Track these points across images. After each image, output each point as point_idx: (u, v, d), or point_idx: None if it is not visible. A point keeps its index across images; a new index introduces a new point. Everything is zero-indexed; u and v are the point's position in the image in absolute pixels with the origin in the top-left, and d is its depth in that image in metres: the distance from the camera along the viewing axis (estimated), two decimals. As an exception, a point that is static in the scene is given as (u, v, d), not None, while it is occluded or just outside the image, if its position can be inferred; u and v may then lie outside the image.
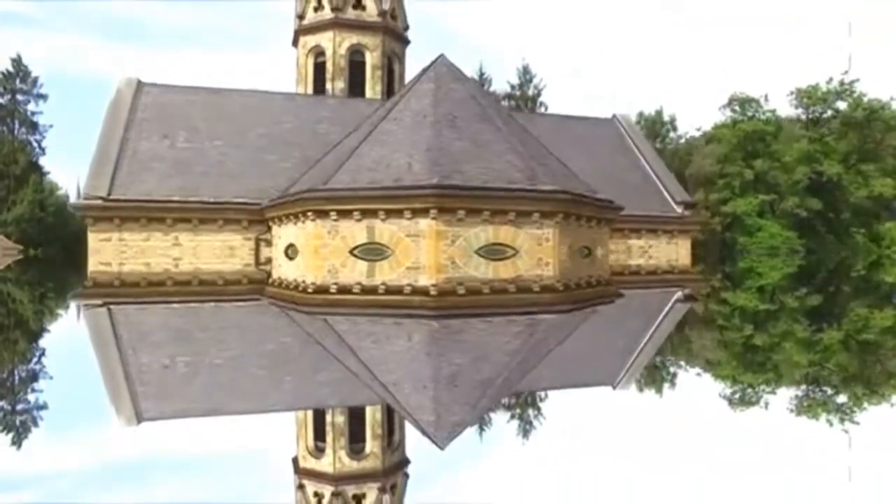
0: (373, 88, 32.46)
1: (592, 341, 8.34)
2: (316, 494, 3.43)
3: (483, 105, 17.46)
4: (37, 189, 45.24)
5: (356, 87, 32.49)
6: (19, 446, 3.78)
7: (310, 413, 4.97)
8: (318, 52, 32.97)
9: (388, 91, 33.52)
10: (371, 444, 4.18)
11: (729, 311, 12.24)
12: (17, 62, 47.46)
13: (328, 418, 4.72)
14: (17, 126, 47.19)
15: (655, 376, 6.01)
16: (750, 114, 44.90)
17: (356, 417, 4.75)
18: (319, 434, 4.41)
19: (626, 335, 8.86)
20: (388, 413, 4.85)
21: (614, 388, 5.38)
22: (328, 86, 32.33)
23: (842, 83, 44.92)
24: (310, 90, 32.70)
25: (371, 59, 32.60)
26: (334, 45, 32.36)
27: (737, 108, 46.76)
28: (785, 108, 58.03)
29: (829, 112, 44.85)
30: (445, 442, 4.00)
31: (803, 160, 42.56)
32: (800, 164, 42.42)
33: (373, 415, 4.80)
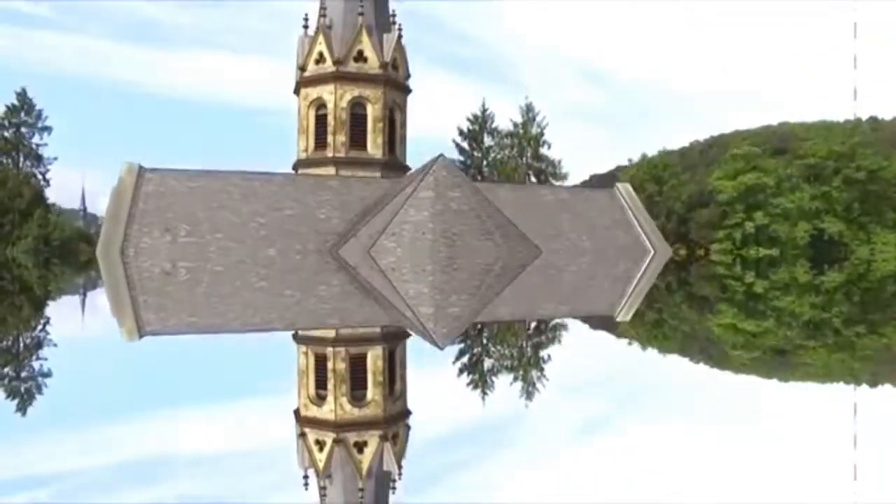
0: (374, 142, 32.47)
1: None
2: (317, 442, 3.45)
3: (482, 217, 17.59)
4: (42, 224, 45.51)
5: (358, 140, 32.49)
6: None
7: (311, 360, 5.03)
8: (320, 105, 32.96)
9: (390, 143, 33.56)
10: (372, 392, 4.21)
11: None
12: (21, 95, 47.68)
13: (329, 364, 4.78)
14: (21, 159, 47.45)
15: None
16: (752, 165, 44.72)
17: (358, 364, 4.81)
18: (321, 382, 4.45)
19: None
20: (391, 360, 4.92)
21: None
22: (329, 139, 32.35)
23: (843, 143, 44.76)
24: (311, 142, 32.75)
25: (372, 111, 32.58)
26: (335, 98, 32.35)
27: (740, 163, 46.57)
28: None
29: (831, 167, 44.73)
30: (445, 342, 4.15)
31: (805, 216, 42.49)
32: (801, 220, 42.34)
33: (374, 362, 4.85)
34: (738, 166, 45.43)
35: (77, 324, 9.97)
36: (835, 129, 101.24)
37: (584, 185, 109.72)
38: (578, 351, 6.72)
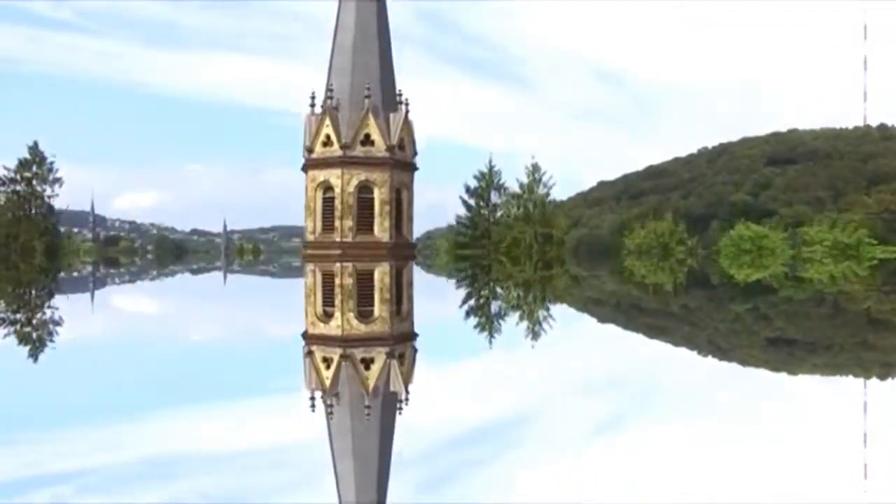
0: (381, 225, 32.78)
1: None
2: (325, 360, 3.42)
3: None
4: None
5: (365, 224, 32.82)
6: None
7: (319, 278, 5.08)
8: (327, 187, 33.24)
9: (397, 223, 33.88)
10: (379, 309, 4.29)
11: None
12: (33, 149, 48.12)
13: (336, 280, 4.84)
14: (33, 212, 48.05)
15: None
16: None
17: (365, 281, 4.83)
18: (328, 299, 4.47)
19: None
20: (398, 279, 5.07)
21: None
22: (336, 223, 32.65)
23: (850, 235, 44.77)
24: (319, 225, 33.12)
25: (379, 194, 32.85)
26: (342, 182, 32.61)
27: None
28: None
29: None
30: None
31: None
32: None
33: (381, 279, 4.98)
34: (744, 247, 45.39)
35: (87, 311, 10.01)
36: (844, 136, 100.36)
37: (592, 191, 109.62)
38: (585, 349, 6.73)
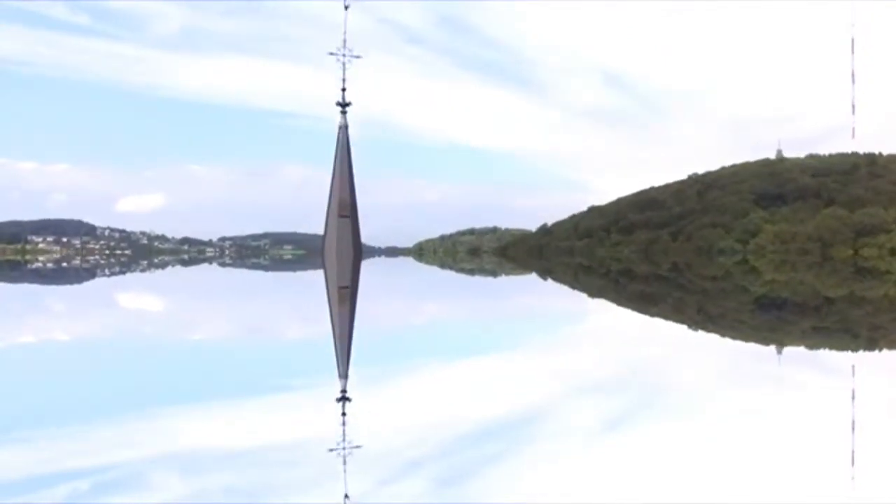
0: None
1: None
2: None
3: None
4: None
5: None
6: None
7: None
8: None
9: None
10: None
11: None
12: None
13: None
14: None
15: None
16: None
17: None
18: None
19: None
20: None
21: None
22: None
23: None
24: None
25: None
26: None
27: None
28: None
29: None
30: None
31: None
32: None
33: None
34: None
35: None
36: (831, 167, 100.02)
37: (583, 217, 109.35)
38: (584, 348, 6.74)
